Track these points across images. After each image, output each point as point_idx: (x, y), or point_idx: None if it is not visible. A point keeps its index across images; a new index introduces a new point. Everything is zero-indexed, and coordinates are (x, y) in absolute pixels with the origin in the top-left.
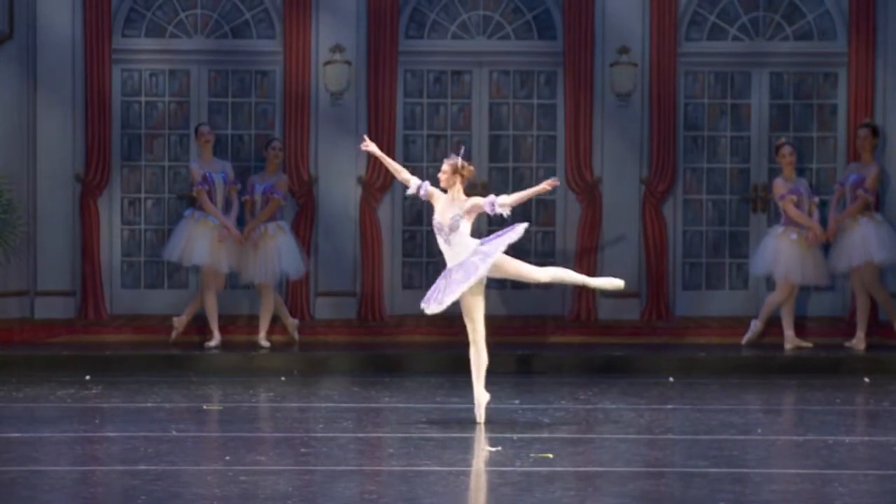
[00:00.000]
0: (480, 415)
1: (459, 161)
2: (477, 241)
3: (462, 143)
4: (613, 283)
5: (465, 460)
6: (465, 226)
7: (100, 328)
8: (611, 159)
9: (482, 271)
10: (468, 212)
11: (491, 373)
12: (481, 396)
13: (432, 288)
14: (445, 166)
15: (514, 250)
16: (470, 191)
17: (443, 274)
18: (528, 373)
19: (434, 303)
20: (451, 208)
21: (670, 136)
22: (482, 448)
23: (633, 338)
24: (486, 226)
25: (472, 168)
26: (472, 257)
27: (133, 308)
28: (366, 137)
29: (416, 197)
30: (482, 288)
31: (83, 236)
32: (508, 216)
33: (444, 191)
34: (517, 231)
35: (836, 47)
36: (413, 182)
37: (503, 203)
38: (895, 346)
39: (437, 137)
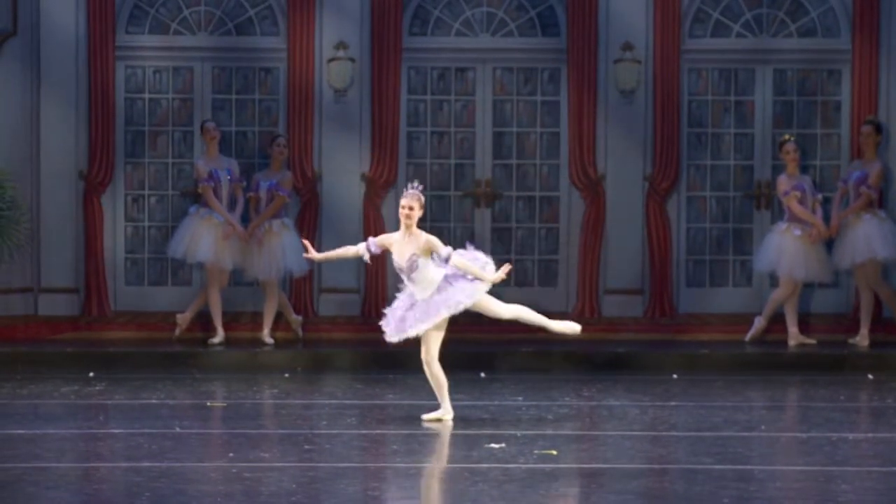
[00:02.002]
0: (428, 416)
1: (420, 195)
2: (442, 273)
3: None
4: (571, 328)
5: (468, 457)
6: (424, 262)
7: (103, 325)
8: (614, 156)
9: (440, 317)
10: (424, 250)
11: (496, 370)
12: (447, 414)
13: (393, 308)
14: (414, 203)
15: (517, 249)
16: (474, 188)
17: (406, 297)
18: (532, 370)
19: (395, 332)
20: (408, 247)
21: (674, 133)
22: (486, 445)
23: (636, 335)
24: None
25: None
26: (437, 296)
27: (137, 305)
28: (306, 245)
29: (374, 258)
30: (444, 323)
31: (87, 233)
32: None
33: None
34: (484, 285)
35: (839, 44)
36: (363, 251)
37: (455, 264)
38: None
39: (440, 134)
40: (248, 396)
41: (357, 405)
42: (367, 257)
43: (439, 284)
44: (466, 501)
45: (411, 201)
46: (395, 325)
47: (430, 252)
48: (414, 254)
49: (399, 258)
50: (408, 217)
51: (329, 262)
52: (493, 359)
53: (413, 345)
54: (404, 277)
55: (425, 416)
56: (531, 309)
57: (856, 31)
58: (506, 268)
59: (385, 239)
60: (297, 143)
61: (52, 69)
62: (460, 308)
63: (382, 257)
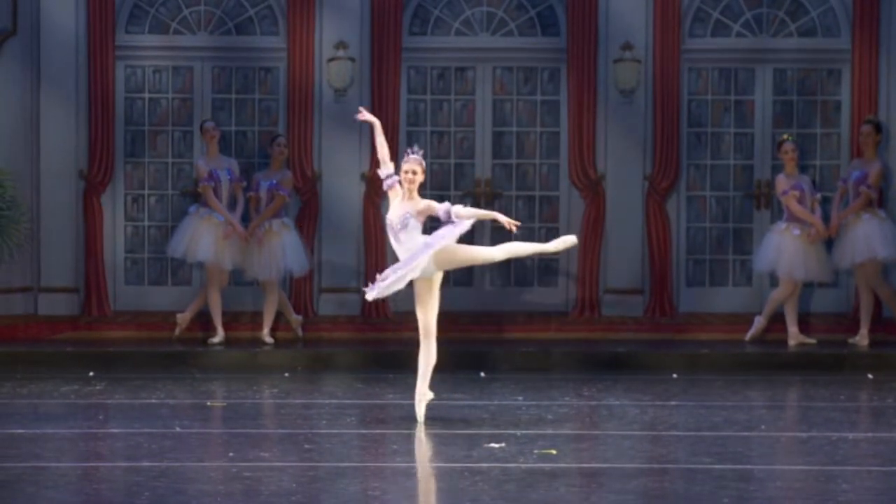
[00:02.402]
0: (421, 412)
1: (421, 160)
2: (426, 237)
3: (415, 143)
4: (567, 241)
5: (468, 457)
6: (415, 225)
7: (103, 325)
8: (614, 156)
9: (423, 259)
10: (420, 212)
11: (496, 369)
12: (425, 395)
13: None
14: (417, 167)
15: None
16: (474, 188)
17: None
18: (532, 369)
19: (375, 289)
20: (403, 207)
21: (674, 132)
22: (486, 444)
23: (636, 334)
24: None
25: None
26: (417, 249)
27: (137, 305)
28: (363, 109)
29: (379, 180)
30: (437, 280)
31: (87, 233)
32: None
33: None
34: (464, 224)
35: (839, 44)
36: (387, 169)
37: (458, 214)
38: None
39: (440, 134)
40: (248, 396)
41: (357, 405)
42: (381, 174)
43: (423, 242)
44: (466, 501)
45: (414, 166)
46: (377, 284)
47: (425, 216)
48: (408, 213)
49: (393, 216)
50: (411, 182)
51: (374, 134)
52: (493, 358)
53: (414, 345)
54: (392, 237)
55: (419, 417)
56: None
57: (856, 31)
58: (514, 222)
59: (396, 189)
60: (296, 142)
61: (52, 69)
62: (444, 242)
63: (383, 257)
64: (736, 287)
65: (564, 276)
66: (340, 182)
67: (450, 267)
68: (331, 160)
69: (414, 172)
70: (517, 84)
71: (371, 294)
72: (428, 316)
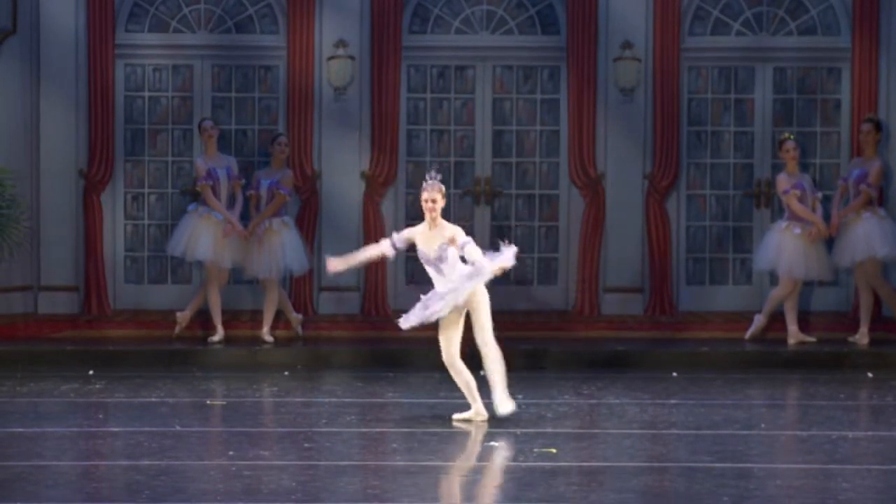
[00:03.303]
0: (459, 416)
1: (440, 185)
2: (467, 267)
3: (433, 165)
4: (505, 407)
5: (468, 455)
6: (453, 252)
7: (103, 323)
8: (614, 155)
9: (470, 286)
10: (451, 240)
11: None
12: (478, 416)
13: (419, 304)
14: (437, 195)
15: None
16: (474, 186)
17: (430, 293)
18: (532, 368)
19: (413, 317)
20: (434, 237)
21: (674, 131)
22: (485, 443)
23: (636, 333)
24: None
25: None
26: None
27: (136, 303)
28: (329, 260)
29: (398, 253)
30: (461, 319)
31: (86, 231)
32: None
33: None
34: (508, 258)
35: (839, 42)
36: (387, 248)
37: (470, 253)
38: None
39: (440, 132)
40: (248, 394)
41: (357, 403)
42: (392, 255)
43: (463, 276)
44: (466, 499)
45: (433, 193)
46: (413, 312)
47: (455, 242)
48: (443, 243)
49: (427, 249)
50: (432, 210)
51: (356, 267)
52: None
53: (413, 343)
54: (431, 270)
55: (456, 416)
56: (501, 363)
57: (856, 29)
58: (510, 258)
59: (409, 233)
60: (296, 141)
61: (52, 67)
62: (490, 272)
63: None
64: (736, 286)
65: (564, 274)
66: (340, 181)
67: (466, 308)
68: (331, 159)
69: (434, 200)
70: (517, 83)
71: (410, 322)
72: (451, 345)
